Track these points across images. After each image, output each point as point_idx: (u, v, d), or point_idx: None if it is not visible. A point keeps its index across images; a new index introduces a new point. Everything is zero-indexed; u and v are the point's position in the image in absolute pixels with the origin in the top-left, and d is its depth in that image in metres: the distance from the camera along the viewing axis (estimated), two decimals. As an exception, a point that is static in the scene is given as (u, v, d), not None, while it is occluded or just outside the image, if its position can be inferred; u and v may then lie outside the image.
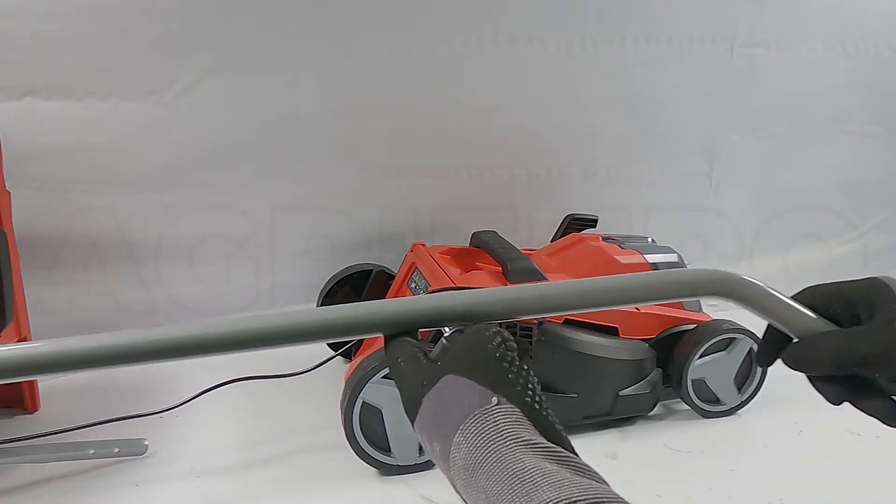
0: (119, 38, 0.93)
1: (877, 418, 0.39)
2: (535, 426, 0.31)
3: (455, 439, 0.30)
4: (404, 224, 1.12)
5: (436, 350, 0.36)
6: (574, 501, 0.26)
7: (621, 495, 0.26)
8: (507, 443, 0.29)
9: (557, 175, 1.15)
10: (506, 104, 1.09)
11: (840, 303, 0.40)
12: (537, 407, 0.31)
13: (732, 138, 1.23)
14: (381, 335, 0.37)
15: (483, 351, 0.33)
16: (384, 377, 0.74)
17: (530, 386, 0.32)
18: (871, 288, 0.39)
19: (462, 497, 0.30)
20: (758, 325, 1.01)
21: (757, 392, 0.92)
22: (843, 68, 1.24)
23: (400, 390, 0.35)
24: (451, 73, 1.05)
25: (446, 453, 0.31)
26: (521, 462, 0.28)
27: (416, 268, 0.95)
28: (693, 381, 0.89)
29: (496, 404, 0.31)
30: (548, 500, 0.26)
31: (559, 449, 0.29)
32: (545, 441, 0.30)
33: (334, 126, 1.04)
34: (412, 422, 0.34)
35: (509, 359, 0.32)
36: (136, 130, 0.98)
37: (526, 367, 0.33)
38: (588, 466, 0.29)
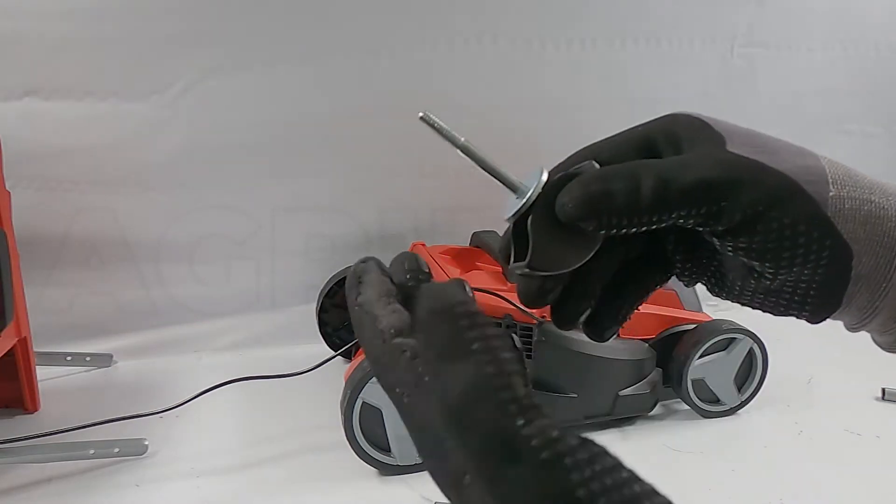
0: (119, 38, 0.93)
1: (727, 296, 0.31)
2: None
3: None
4: (404, 224, 1.12)
5: None
6: None
7: None
8: None
9: (557, 175, 1.15)
10: (506, 104, 1.09)
11: (633, 152, 0.30)
12: None
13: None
14: None
15: None
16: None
17: None
18: (672, 124, 0.31)
19: None
20: (758, 325, 1.00)
21: (757, 392, 0.92)
22: (843, 68, 1.24)
23: None
24: (451, 73, 1.05)
25: None
26: None
27: (416, 268, 0.95)
28: (693, 381, 0.89)
29: None
30: None
31: None
32: None
33: (334, 126, 1.04)
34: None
35: None
36: (136, 130, 0.98)
37: None
38: None
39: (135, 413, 0.83)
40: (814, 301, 0.28)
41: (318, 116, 1.03)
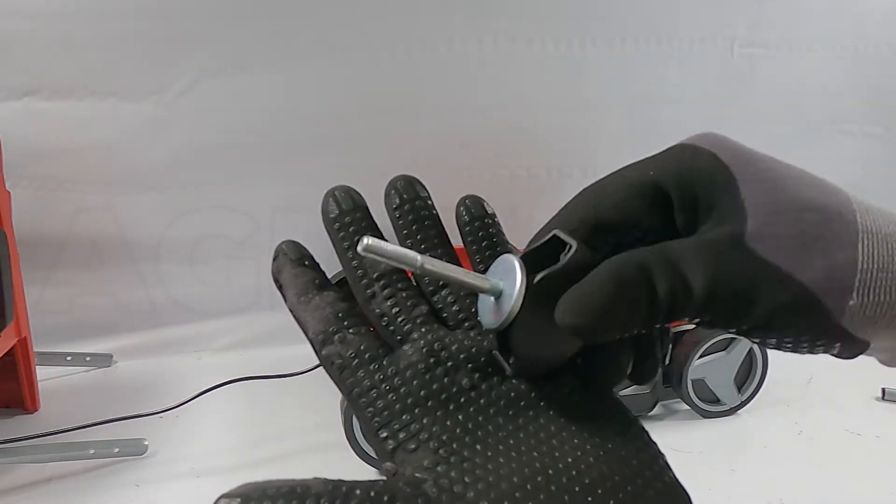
0: (119, 38, 0.93)
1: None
2: None
3: None
4: (404, 224, 1.12)
5: None
6: None
7: None
8: None
9: (557, 175, 1.15)
10: (506, 104, 1.09)
11: (642, 206, 0.26)
12: None
13: (732, 138, 1.23)
14: None
15: None
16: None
17: None
18: (690, 173, 0.26)
19: None
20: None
21: (757, 392, 0.92)
22: (843, 68, 1.24)
23: None
24: (451, 73, 1.05)
25: None
26: None
27: (416, 268, 0.95)
28: (693, 381, 0.89)
29: None
30: None
31: None
32: None
33: (334, 126, 1.04)
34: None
35: None
36: (137, 130, 0.98)
37: None
38: None
39: (135, 413, 0.83)
40: (831, 354, 0.26)
41: (319, 116, 1.03)
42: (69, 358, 1.01)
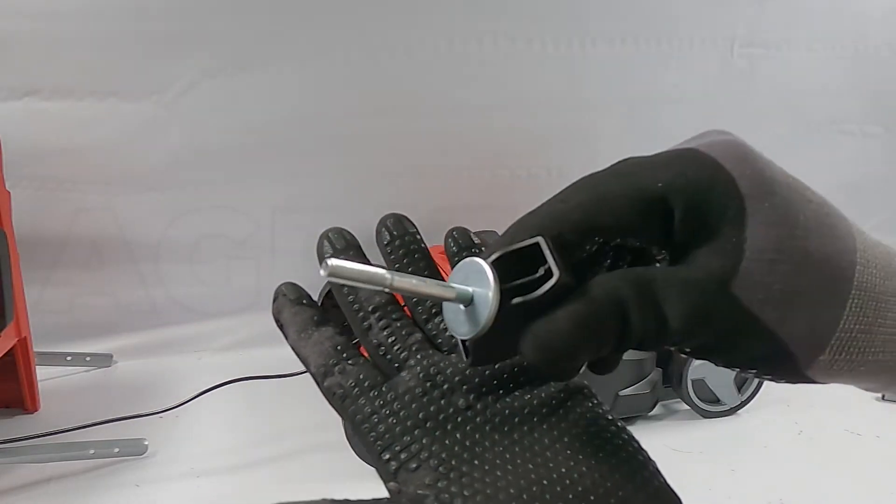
0: (119, 38, 0.93)
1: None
2: None
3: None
4: (404, 224, 1.12)
5: None
6: None
7: None
8: None
9: (557, 175, 1.15)
10: (506, 104, 1.09)
11: (644, 218, 0.25)
12: None
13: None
14: None
15: None
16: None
17: None
18: (708, 192, 0.24)
19: None
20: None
21: (757, 392, 0.92)
22: (843, 68, 1.24)
23: None
24: (451, 73, 1.05)
25: None
26: None
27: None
28: (693, 381, 0.89)
29: None
30: None
31: None
32: None
33: (334, 126, 1.04)
34: None
35: None
36: (137, 130, 0.98)
37: None
38: None
39: (135, 413, 0.83)
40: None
41: (318, 116, 1.03)
42: (69, 358, 1.01)
